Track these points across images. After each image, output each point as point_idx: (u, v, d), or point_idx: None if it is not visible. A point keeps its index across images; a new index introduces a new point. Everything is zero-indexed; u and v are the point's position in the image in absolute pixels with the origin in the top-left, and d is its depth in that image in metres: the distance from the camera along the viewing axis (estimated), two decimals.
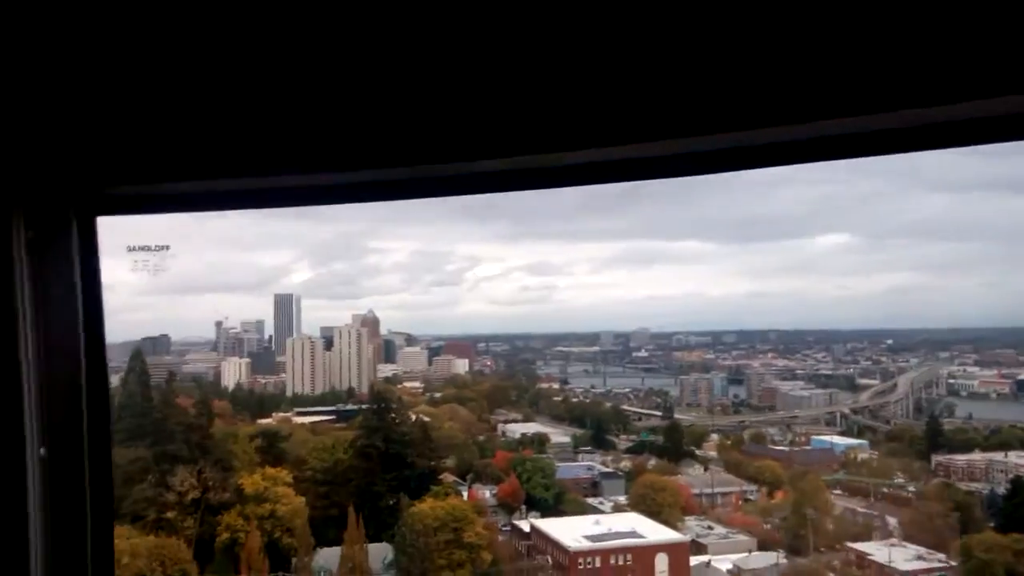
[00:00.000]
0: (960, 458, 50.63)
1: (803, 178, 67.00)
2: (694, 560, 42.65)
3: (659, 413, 64.13)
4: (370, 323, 79.97)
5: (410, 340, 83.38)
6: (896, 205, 70.30)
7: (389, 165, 2.45)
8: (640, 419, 64.21)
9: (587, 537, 42.37)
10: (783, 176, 72.53)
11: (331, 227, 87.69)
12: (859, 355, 67.35)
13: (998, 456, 49.25)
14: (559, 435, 61.16)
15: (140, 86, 2.40)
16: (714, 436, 60.55)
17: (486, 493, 48.99)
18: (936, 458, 50.76)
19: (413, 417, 50.90)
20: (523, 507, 48.49)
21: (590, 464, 55.57)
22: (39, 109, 2.41)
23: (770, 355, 71.14)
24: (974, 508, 43.87)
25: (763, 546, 44.37)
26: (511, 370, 77.20)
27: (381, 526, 41.77)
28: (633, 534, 42.83)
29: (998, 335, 61.17)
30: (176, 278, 73.34)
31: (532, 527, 45.55)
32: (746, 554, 43.06)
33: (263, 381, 73.41)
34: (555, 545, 42.85)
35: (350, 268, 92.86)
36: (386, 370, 79.80)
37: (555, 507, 48.50)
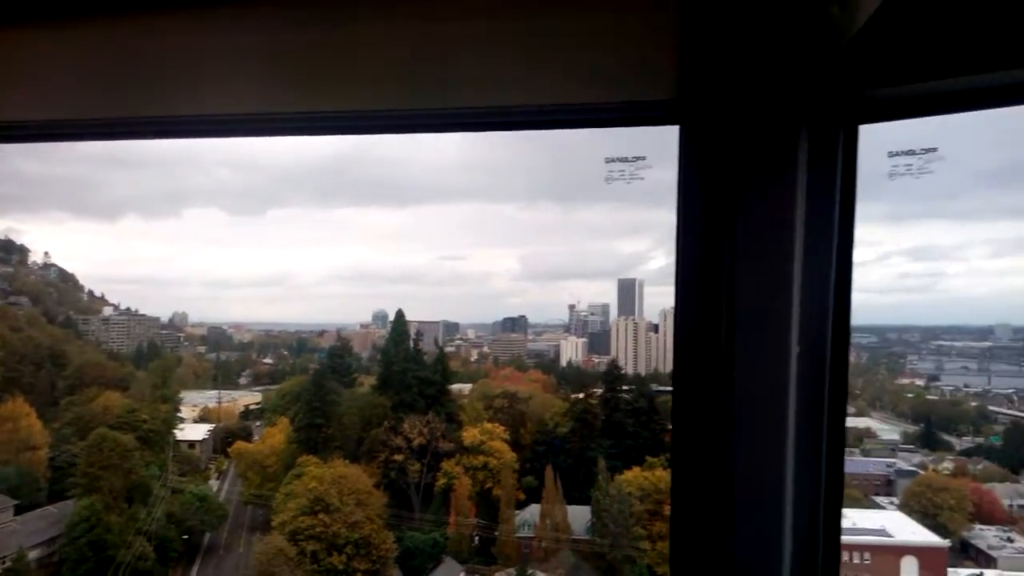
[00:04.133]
0: None
1: None
2: (963, 572, 35.93)
3: None
4: None
5: None
6: None
7: None
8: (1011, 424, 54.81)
9: None
10: None
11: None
12: None
13: None
14: (890, 432, 55.16)
15: None
16: None
17: None
18: None
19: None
20: None
21: (891, 461, 48.98)
22: (813, 20, 2.35)
23: None
24: None
25: None
26: (872, 363, 69.94)
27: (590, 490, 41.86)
28: (881, 532, 37.12)
29: None
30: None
31: None
32: None
33: (596, 360, 76.86)
34: None
35: None
36: None
37: None
